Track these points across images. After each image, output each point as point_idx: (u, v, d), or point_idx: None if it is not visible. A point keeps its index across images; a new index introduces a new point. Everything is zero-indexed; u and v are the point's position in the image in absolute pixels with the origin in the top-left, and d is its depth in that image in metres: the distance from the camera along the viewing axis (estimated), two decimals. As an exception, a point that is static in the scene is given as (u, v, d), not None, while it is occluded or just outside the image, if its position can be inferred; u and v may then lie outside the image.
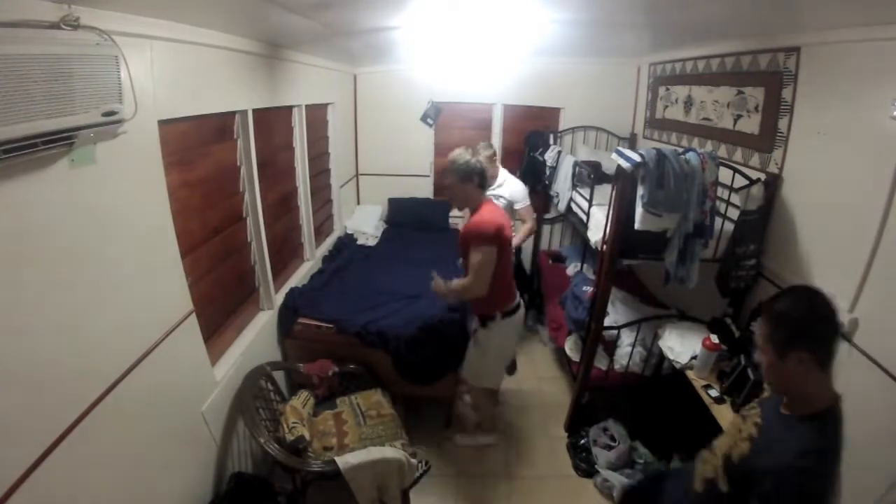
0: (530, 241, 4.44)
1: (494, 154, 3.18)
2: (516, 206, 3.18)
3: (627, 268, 3.55)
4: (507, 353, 2.50)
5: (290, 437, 1.97)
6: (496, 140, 4.35)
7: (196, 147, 1.96)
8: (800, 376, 1.09)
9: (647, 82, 3.82)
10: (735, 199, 2.29)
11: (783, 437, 1.12)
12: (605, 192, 2.57)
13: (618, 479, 2.36)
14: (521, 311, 2.36)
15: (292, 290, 2.84)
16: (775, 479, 1.06)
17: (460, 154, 2.14)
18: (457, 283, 2.16)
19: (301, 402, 2.25)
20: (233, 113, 2.20)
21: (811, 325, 1.09)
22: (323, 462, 1.94)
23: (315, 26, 2.39)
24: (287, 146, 2.99)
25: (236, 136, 2.27)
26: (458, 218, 4.53)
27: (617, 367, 2.61)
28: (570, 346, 2.91)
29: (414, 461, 2.08)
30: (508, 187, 3.19)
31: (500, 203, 3.08)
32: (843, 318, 1.81)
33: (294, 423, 2.04)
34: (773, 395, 1.26)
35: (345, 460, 1.88)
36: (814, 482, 1.05)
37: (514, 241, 3.03)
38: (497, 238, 2.06)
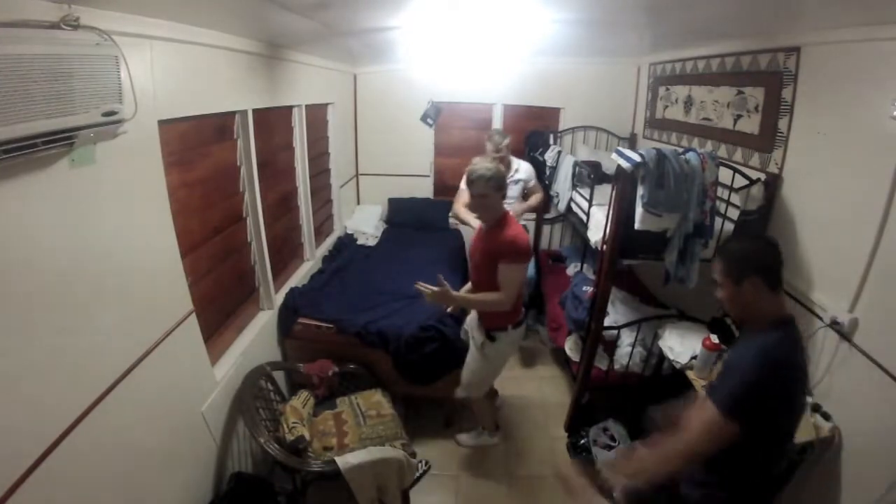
0: (531, 241, 4.44)
1: (509, 141, 3.25)
2: (530, 184, 3.34)
3: (627, 268, 3.54)
4: (505, 363, 2.47)
5: (290, 437, 1.97)
6: (496, 140, 4.35)
7: (196, 147, 1.96)
8: (755, 299, 1.33)
9: (647, 82, 3.82)
10: (735, 199, 2.29)
11: (747, 345, 1.31)
12: (605, 192, 2.56)
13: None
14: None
15: (292, 290, 2.84)
16: (740, 372, 1.23)
17: (491, 162, 2.10)
18: (482, 295, 2.15)
19: (301, 402, 2.25)
20: (233, 113, 2.20)
21: (758, 256, 1.36)
22: (323, 462, 1.94)
23: (315, 26, 2.39)
24: (287, 146, 2.99)
25: (236, 136, 2.27)
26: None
27: (617, 367, 2.61)
28: (570, 346, 2.91)
29: (414, 461, 2.08)
30: (524, 170, 3.33)
31: (519, 186, 3.23)
32: (844, 318, 1.82)
33: (294, 423, 2.04)
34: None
35: (345, 460, 1.88)
36: (773, 377, 1.21)
37: (528, 206, 3.26)
38: (530, 255, 2.12)
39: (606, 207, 2.38)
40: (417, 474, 2.21)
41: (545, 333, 3.69)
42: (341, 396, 2.44)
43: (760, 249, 1.38)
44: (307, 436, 2.01)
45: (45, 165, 1.15)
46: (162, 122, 1.61)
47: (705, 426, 1.25)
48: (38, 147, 1.05)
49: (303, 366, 2.48)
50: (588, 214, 2.76)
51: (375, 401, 2.39)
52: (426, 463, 2.42)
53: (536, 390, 3.23)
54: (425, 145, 4.35)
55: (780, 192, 2.25)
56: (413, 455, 2.13)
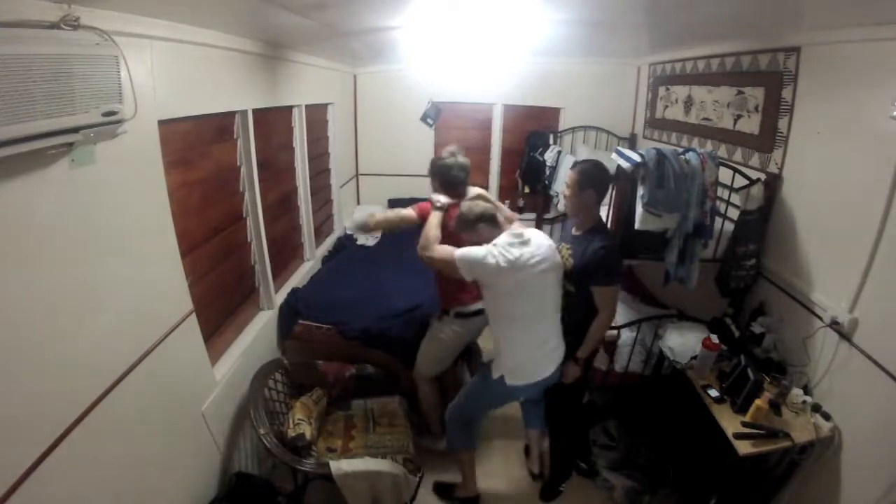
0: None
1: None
2: None
3: (627, 268, 3.54)
4: (443, 351, 2.39)
5: (291, 434, 1.96)
6: (496, 140, 4.35)
7: (196, 147, 1.95)
8: (587, 205, 1.96)
9: (647, 82, 3.83)
10: (735, 199, 2.29)
11: (588, 242, 1.93)
12: (605, 192, 2.56)
13: (618, 480, 2.36)
14: (477, 320, 2.28)
15: (293, 290, 2.84)
16: (596, 260, 1.88)
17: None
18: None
19: (313, 399, 2.22)
20: (233, 113, 2.20)
21: (597, 177, 1.95)
22: (316, 463, 1.93)
23: (315, 26, 2.39)
24: (287, 146, 2.99)
25: (236, 136, 2.27)
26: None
27: (617, 367, 2.61)
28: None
29: (413, 479, 2.03)
30: None
31: None
32: (844, 318, 1.82)
33: (300, 419, 2.03)
34: (565, 233, 2.18)
35: (338, 466, 1.86)
36: (613, 255, 1.96)
37: None
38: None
39: (606, 207, 2.38)
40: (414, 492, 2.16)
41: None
42: (358, 399, 2.40)
43: (600, 173, 1.96)
44: (308, 435, 2.00)
45: (45, 165, 1.15)
46: (162, 122, 1.60)
47: (614, 301, 2.00)
48: (39, 147, 1.05)
49: (321, 363, 2.47)
50: (588, 214, 2.75)
51: (390, 409, 2.34)
52: (420, 472, 2.28)
53: (536, 390, 3.22)
54: (425, 145, 4.35)
55: (780, 192, 2.25)
56: (416, 470, 2.08)
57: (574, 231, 2.06)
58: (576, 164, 2.08)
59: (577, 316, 2.00)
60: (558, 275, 1.92)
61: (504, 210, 2.22)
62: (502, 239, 1.84)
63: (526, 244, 1.83)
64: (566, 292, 2.01)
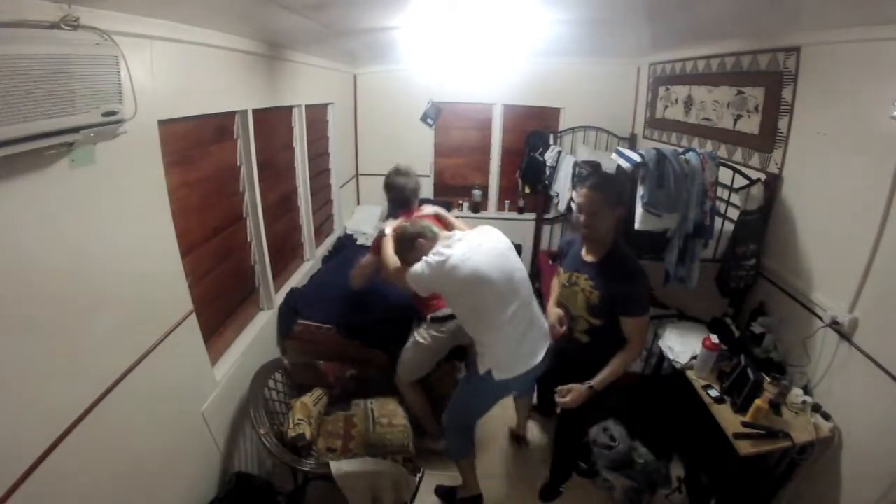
0: (530, 240, 4.44)
1: None
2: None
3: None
4: (421, 357, 2.40)
5: (291, 434, 1.96)
6: (496, 140, 4.35)
7: (196, 147, 1.95)
8: (612, 226, 1.84)
9: (647, 82, 3.82)
10: (735, 199, 2.30)
11: (612, 269, 1.85)
12: (605, 192, 2.56)
13: (618, 480, 2.36)
14: (451, 324, 2.26)
15: (292, 290, 2.83)
16: (627, 289, 1.82)
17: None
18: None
19: (313, 399, 2.22)
20: (233, 113, 2.20)
21: (623, 190, 1.88)
22: (317, 463, 1.93)
23: (315, 26, 2.39)
24: (287, 146, 2.99)
25: (236, 136, 2.27)
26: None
27: (617, 367, 2.61)
28: (570, 346, 2.90)
29: (413, 478, 2.03)
30: None
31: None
32: (844, 318, 1.82)
33: (300, 419, 2.03)
34: (571, 259, 2.01)
35: (338, 466, 1.86)
36: (644, 281, 1.87)
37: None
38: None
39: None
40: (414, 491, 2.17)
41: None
42: (358, 399, 2.39)
43: (626, 189, 1.92)
44: (308, 435, 2.01)
45: (45, 165, 1.15)
46: (162, 122, 1.60)
47: (645, 331, 1.91)
48: (38, 147, 1.05)
49: (321, 363, 2.47)
50: (588, 214, 2.75)
51: (391, 409, 2.34)
52: (419, 472, 2.28)
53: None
54: (425, 145, 4.35)
55: (780, 192, 2.25)
56: (416, 470, 2.08)
57: (585, 256, 1.93)
58: (589, 179, 1.95)
59: (603, 349, 1.92)
60: (510, 256, 1.90)
61: (457, 226, 2.29)
62: (436, 246, 1.88)
63: (459, 240, 1.86)
64: (591, 326, 1.94)
